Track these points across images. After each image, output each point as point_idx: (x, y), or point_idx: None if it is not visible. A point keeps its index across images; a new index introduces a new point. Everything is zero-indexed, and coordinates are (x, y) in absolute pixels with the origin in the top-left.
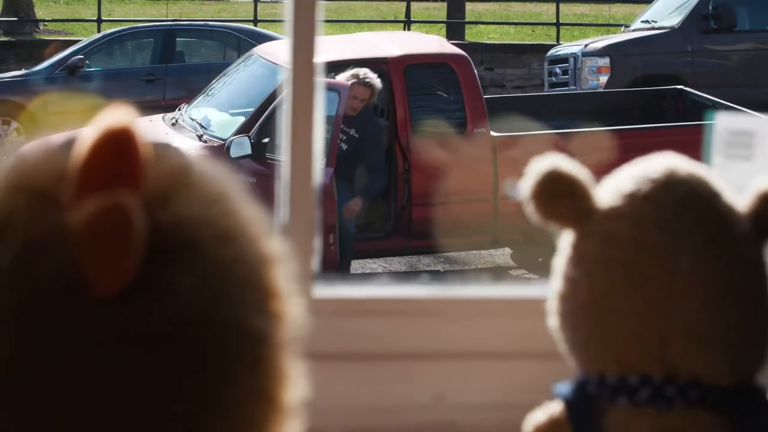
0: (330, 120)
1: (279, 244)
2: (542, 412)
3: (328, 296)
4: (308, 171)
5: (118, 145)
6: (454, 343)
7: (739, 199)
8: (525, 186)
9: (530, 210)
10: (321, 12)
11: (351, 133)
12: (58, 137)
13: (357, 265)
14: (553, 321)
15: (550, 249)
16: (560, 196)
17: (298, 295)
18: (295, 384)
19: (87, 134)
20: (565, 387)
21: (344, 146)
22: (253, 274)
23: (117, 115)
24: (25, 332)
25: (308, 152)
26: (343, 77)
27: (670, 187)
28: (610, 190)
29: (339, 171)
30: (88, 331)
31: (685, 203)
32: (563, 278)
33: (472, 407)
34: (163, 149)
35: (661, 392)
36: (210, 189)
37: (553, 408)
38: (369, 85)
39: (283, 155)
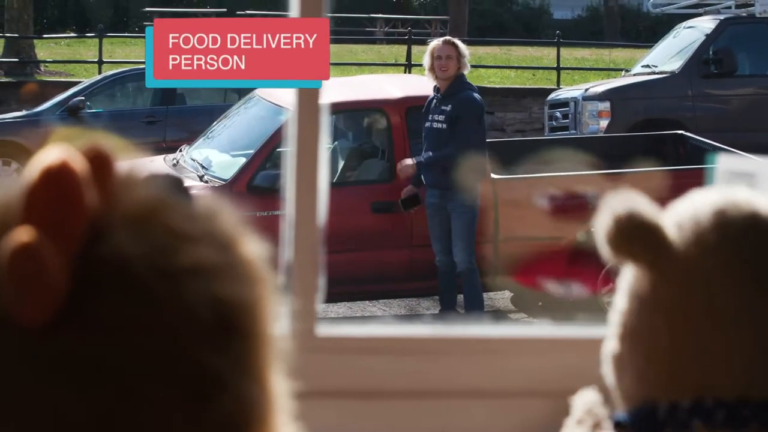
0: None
1: (260, 283)
2: None
3: (332, 335)
4: (313, 209)
5: (51, 181)
6: (456, 381)
7: None
8: (600, 225)
9: (604, 249)
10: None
11: (447, 108)
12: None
13: (357, 308)
14: (612, 353)
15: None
16: (638, 238)
17: (279, 341)
18: (276, 424)
19: (27, 171)
20: (623, 415)
21: (443, 126)
22: (200, 310)
23: (56, 151)
24: None
25: (313, 190)
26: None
27: (745, 217)
28: (683, 225)
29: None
30: (18, 359)
31: (762, 235)
32: (634, 313)
33: None
34: (142, 180)
35: (736, 414)
36: (170, 225)
37: None
38: (450, 42)
39: (288, 193)
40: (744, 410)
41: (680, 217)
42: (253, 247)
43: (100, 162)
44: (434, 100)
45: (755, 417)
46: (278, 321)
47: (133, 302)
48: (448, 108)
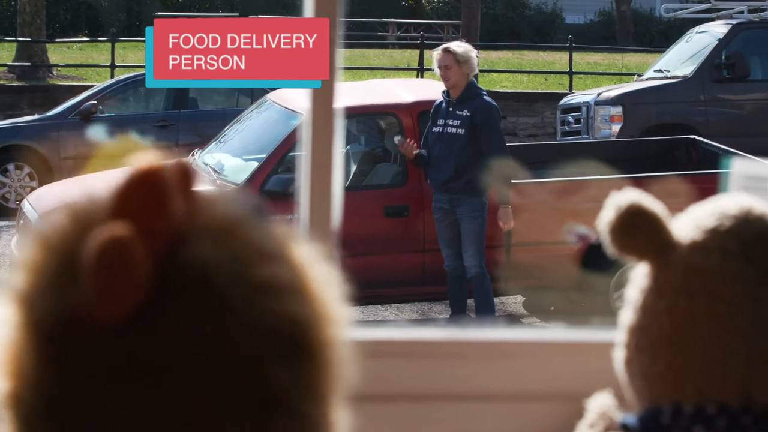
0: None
1: (331, 307)
2: None
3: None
4: (327, 212)
5: (144, 183)
6: (472, 385)
7: None
8: (604, 219)
9: (608, 242)
10: (340, 59)
11: (463, 113)
12: (71, 182)
13: (369, 313)
14: (622, 353)
15: (563, 297)
16: (640, 230)
17: (343, 357)
18: None
19: (120, 174)
20: (631, 418)
21: (460, 130)
22: (273, 327)
23: (147, 157)
24: (43, 354)
25: (327, 193)
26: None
27: (750, 222)
28: (689, 225)
29: (460, 166)
30: (94, 356)
31: (766, 236)
32: (640, 310)
33: None
34: (223, 199)
35: (738, 421)
36: (251, 241)
37: None
38: (446, 51)
39: (302, 196)
40: (745, 418)
41: (694, 219)
42: (324, 274)
43: (183, 176)
44: (444, 105)
45: (756, 426)
46: (344, 347)
47: (210, 310)
48: (465, 113)
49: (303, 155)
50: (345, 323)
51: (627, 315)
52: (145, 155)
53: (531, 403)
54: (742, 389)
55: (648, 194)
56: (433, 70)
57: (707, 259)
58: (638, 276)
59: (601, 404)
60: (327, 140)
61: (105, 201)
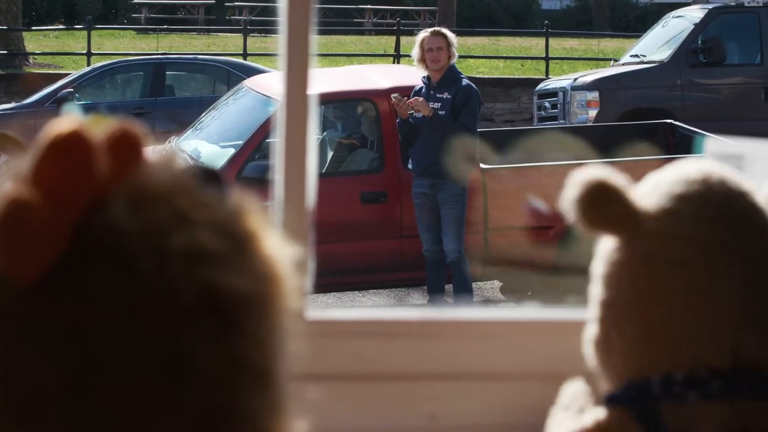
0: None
1: (271, 280)
2: (587, 418)
3: (321, 318)
4: (302, 195)
5: (58, 146)
6: (446, 364)
7: None
8: (569, 195)
9: (575, 218)
10: (315, 45)
11: (443, 96)
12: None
13: (346, 299)
14: (593, 330)
15: (540, 281)
16: (606, 204)
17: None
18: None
19: (40, 138)
20: (618, 393)
21: (441, 112)
22: (189, 295)
23: (68, 120)
24: None
25: (302, 177)
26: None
27: (716, 186)
28: (655, 194)
29: (439, 143)
30: (12, 319)
31: (735, 200)
32: (610, 284)
33: (464, 428)
34: (164, 166)
35: (730, 384)
36: (174, 208)
37: (599, 414)
38: (439, 34)
39: (277, 178)
40: (737, 379)
41: (653, 186)
42: (275, 248)
43: (125, 141)
44: (425, 90)
45: (748, 385)
46: (293, 323)
47: (116, 276)
48: (445, 96)
49: (277, 141)
50: (290, 297)
51: (597, 290)
52: (69, 118)
53: (506, 382)
54: (733, 352)
55: (615, 172)
56: (411, 55)
57: (682, 225)
58: (605, 249)
59: (573, 390)
60: (301, 127)
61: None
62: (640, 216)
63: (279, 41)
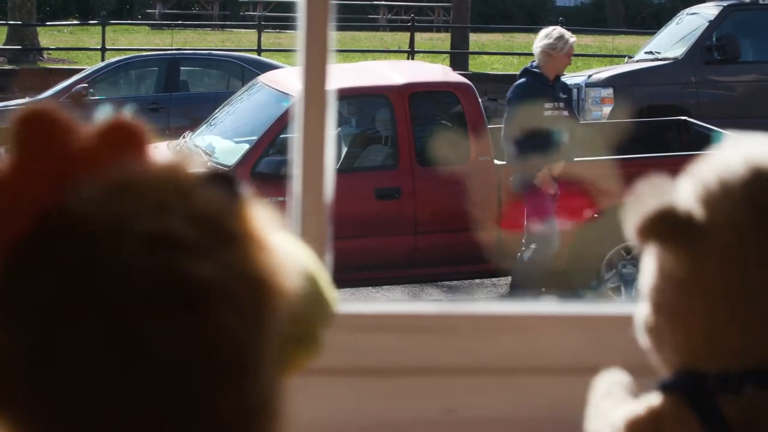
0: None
1: (254, 273)
2: (639, 404)
3: (340, 312)
4: (320, 190)
5: (34, 126)
6: (463, 358)
7: None
8: (629, 218)
9: (634, 239)
10: (333, 40)
11: (564, 96)
12: None
13: (360, 295)
14: (649, 320)
15: (553, 277)
16: (667, 228)
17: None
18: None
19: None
20: (673, 380)
21: (565, 113)
22: (147, 280)
23: (41, 105)
24: None
25: (320, 172)
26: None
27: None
28: (706, 197)
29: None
30: None
31: None
32: (668, 287)
33: (481, 422)
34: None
35: None
36: (152, 195)
37: (652, 402)
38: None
39: (295, 173)
40: None
41: (706, 188)
42: (279, 250)
43: (121, 132)
44: (546, 88)
45: None
46: (281, 323)
47: (73, 254)
48: (566, 96)
49: (295, 137)
50: (288, 298)
51: (651, 292)
52: (47, 103)
53: (522, 376)
54: None
55: (665, 178)
56: (534, 50)
57: (736, 237)
58: (659, 256)
59: (613, 377)
60: (319, 122)
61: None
62: (703, 231)
63: (297, 37)
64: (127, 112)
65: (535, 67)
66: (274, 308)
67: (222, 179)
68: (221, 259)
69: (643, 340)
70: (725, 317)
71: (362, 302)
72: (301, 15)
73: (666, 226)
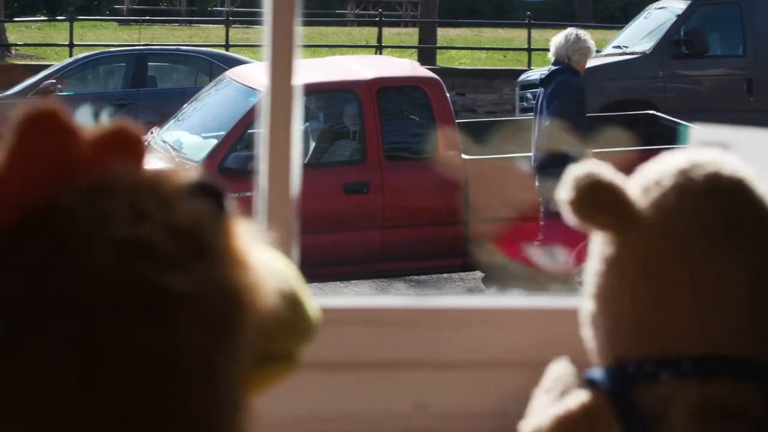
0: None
1: (227, 283)
2: (571, 400)
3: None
4: (287, 183)
5: (34, 125)
6: (434, 352)
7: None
8: (564, 192)
9: (570, 215)
10: (299, 35)
11: None
12: None
13: (328, 290)
14: (588, 313)
15: (523, 271)
16: (602, 202)
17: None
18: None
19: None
20: (596, 375)
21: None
22: (110, 281)
23: (49, 105)
24: None
25: (286, 166)
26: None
27: (709, 174)
28: (645, 187)
29: None
30: None
31: (733, 195)
32: (603, 271)
33: (450, 417)
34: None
35: (702, 363)
36: (133, 202)
37: (583, 396)
38: None
39: (261, 165)
40: (710, 360)
41: (646, 180)
42: (257, 267)
43: (117, 137)
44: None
45: (721, 366)
46: (244, 333)
47: (45, 251)
48: None
49: (262, 132)
50: (245, 311)
51: (591, 279)
52: (49, 103)
53: (492, 370)
54: (703, 343)
55: (603, 163)
56: (550, 46)
57: (666, 222)
58: (600, 244)
59: (557, 371)
60: (286, 117)
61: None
62: (634, 216)
63: (264, 31)
64: (107, 111)
65: (572, 66)
66: (245, 325)
67: (209, 191)
68: (194, 272)
69: (585, 331)
70: (647, 303)
71: (331, 296)
72: (267, 9)
73: (595, 195)
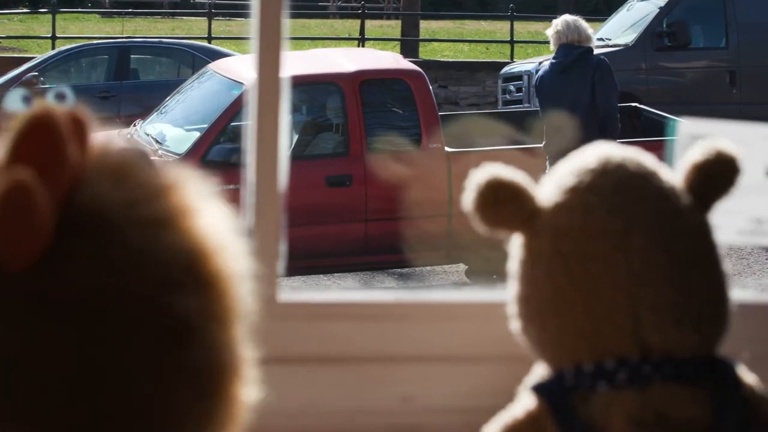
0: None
1: (222, 239)
2: (518, 408)
3: (294, 300)
4: (274, 175)
5: (41, 127)
6: (420, 346)
7: (675, 174)
8: (467, 198)
9: (476, 221)
10: (286, 27)
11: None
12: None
13: (311, 282)
14: (516, 324)
15: (505, 265)
16: (503, 203)
17: (250, 290)
18: (243, 375)
19: (17, 122)
20: (539, 383)
21: None
22: (171, 259)
23: (43, 105)
24: None
25: (274, 158)
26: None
27: (609, 172)
28: (551, 188)
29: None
30: (14, 302)
31: (626, 184)
32: (521, 281)
33: (438, 410)
34: (115, 145)
35: (638, 372)
36: (144, 180)
37: (529, 403)
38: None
39: (249, 158)
40: (645, 367)
41: (556, 180)
42: (215, 209)
43: (77, 123)
44: None
45: (658, 372)
46: (241, 278)
47: (110, 248)
48: None
49: (249, 125)
50: (239, 254)
51: (511, 286)
52: (41, 103)
53: (478, 364)
54: (636, 340)
55: (506, 165)
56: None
57: (572, 218)
58: (514, 247)
59: (541, 369)
60: (273, 110)
61: (2, 150)
62: (536, 213)
63: (251, 23)
64: (82, 101)
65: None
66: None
67: (141, 154)
68: (198, 230)
69: (519, 337)
70: (566, 302)
71: (317, 291)
72: (255, 2)
73: (496, 191)
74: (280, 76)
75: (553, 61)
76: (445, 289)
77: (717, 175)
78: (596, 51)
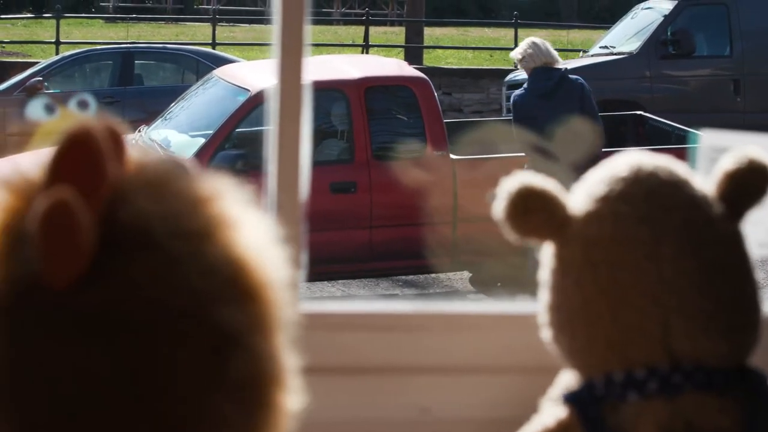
0: None
1: (264, 249)
2: (548, 417)
3: (312, 311)
4: (295, 185)
5: (80, 145)
6: (438, 357)
7: (707, 182)
8: (498, 206)
9: (506, 229)
10: (308, 34)
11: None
12: (22, 158)
13: (315, 289)
14: (547, 333)
15: (509, 273)
16: (533, 212)
17: (289, 300)
18: (286, 385)
19: (56, 140)
20: (570, 392)
21: None
22: (216, 270)
23: (80, 121)
24: None
25: (295, 167)
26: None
27: (640, 180)
28: (582, 196)
29: None
30: (49, 319)
31: (657, 193)
32: (552, 289)
33: (456, 421)
34: (151, 156)
35: (668, 381)
36: (184, 192)
37: (559, 412)
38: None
39: (270, 167)
40: (675, 376)
41: (587, 189)
42: (254, 218)
43: (114, 137)
44: None
45: (688, 381)
46: (282, 287)
47: (154, 262)
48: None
49: (271, 131)
50: (279, 263)
51: (543, 295)
52: (79, 119)
53: (497, 375)
54: (666, 348)
55: (540, 174)
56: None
57: (602, 227)
58: (545, 256)
59: (566, 379)
60: (295, 116)
61: (42, 169)
62: (567, 222)
63: (273, 30)
64: (96, 111)
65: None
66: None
67: (178, 164)
68: (240, 241)
69: (550, 345)
70: (596, 311)
71: (336, 302)
72: (276, 9)
73: (526, 199)
74: (302, 82)
75: (533, 85)
76: (464, 300)
77: (749, 183)
78: (599, 60)
